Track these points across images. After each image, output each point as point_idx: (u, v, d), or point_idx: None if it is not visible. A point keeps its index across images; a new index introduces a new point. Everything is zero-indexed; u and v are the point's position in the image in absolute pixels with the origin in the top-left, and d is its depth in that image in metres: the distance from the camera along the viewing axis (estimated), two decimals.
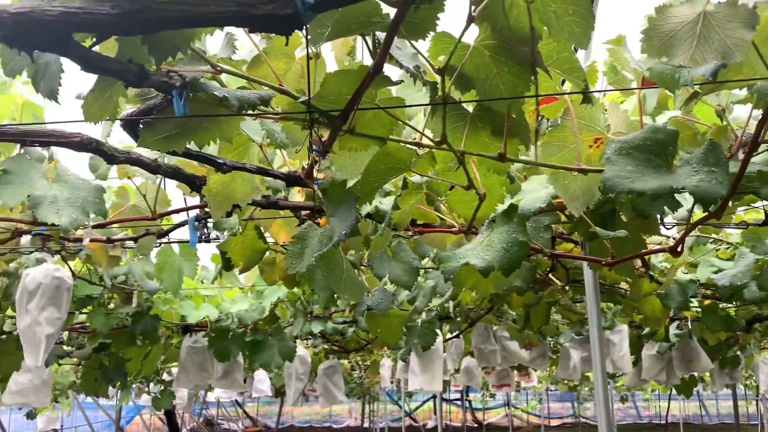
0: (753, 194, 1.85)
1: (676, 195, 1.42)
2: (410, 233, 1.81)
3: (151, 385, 6.72)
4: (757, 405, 14.41)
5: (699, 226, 2.67)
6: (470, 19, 0.92)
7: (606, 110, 1.42)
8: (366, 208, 1.47)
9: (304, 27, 0.77)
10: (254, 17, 0.69)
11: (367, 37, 1.02)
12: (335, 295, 1.26)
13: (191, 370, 3.80)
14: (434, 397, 16.98)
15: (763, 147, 1.45)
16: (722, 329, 3.61)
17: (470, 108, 1.25)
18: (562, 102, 1.39)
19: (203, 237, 2.05)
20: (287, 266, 1.29)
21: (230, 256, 1.98)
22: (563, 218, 1.99)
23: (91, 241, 1.99)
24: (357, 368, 8.86)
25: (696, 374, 5.76)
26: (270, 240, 2.16)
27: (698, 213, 2.55)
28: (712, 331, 3.76)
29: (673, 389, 6.88)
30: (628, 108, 1.59)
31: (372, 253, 2.15)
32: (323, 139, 1.14)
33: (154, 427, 15.19)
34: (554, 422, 17.66)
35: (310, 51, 1.25)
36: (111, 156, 1.29)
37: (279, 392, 9.21)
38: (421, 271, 2.97)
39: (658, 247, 1.52)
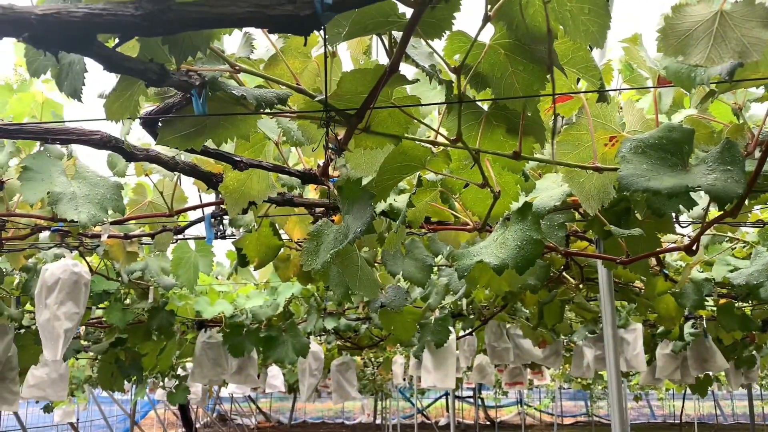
0: None
1: (691, 193, 1.42)
2: (424, 231, 1.81)
3: (166, 380, 6.78)
4: None
5: (714, 225, 2.65)
6: (486, 19, 0.93)
7: (621, 109, 1.42)
8: (380, 206, 1.48)
9: (322, 27, 0.78)
10: (272, 18, 0.70)
11: (383, 37, 1.03)
12: (350, 292, 1.27)
13: (206, 366, 3.83)
14: (447, 394, 16.99)
15: None
16: (738, 328, 3.59)
17: (485, 106, 1.26)
18: (578, 100, 1.39)
19: (219, 233, 2.07)
20: (302, 263, 1.30)
21: (245, 252, 1.99)
22: (578, 216, 1.99)
23: (109, 237, 2.02)
24: (370, 365, 8.89)
25: (711, 374, 5.71)
26: (285, 237, 2.17)
27: (714, 211, 2.53)
28: (727, 331, 3.73)
29: (688, 388, 6.83)
30: (643, 106, 1.58)
31: (386, 251, 2.16)
32: (339, 138, 1.15)
33: (168, 422, 15.32)
34: (567, 420, 17.60)
35: (327, 49, 1.26)
36: (130, 153, 1.31)
37: (292, 388, 9.26)
38: (435, 269, 2.99)
39: (673, 245, 1.52)
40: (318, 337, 4.83)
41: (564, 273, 2.72)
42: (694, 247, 1.39)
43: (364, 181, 1.34)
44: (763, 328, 4.02)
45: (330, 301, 3.53)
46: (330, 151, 1.16)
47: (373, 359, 8.46)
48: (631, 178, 1.10)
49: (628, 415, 13.94)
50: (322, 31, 0.96)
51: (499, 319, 4.07)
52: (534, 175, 1.86)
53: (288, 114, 1.12)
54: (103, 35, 0.78)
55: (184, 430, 11.59)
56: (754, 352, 5.75)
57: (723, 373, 7.61)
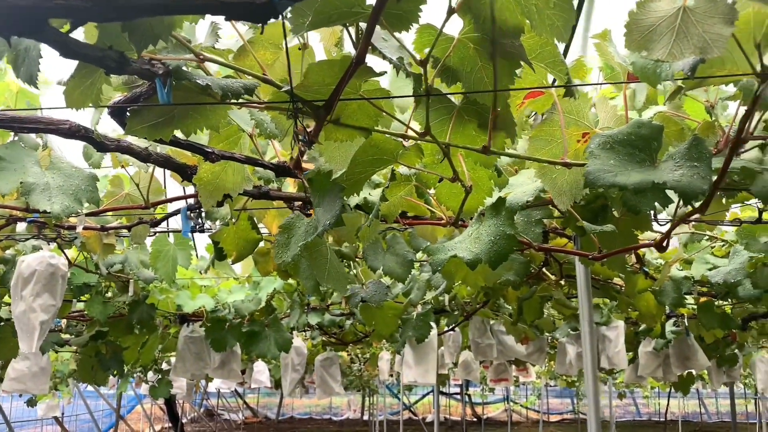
0: (746, 191, 1.86)
1: (667, 191, 1.42)
2: (400, 225, 1.81)
3: (150, 374, 6.75)
4: (755, 404, 14.41)
5: (693, 223, 2.67)
6: (450, 11, 0.93)
7: (594, 105, 1.42)
8: (354, 200, 1.48)
9: (282, 16, 0.77)
10: (228, 6, 0.70)
11: (351, 28, 1.02)
12: (320, 286, 1.27)
13: (188, 360, 3.82)
14: (434, 390, 17.02)
15: (753, 143, 1.45)
16: (718, 327, 3.61)
17: (458, 101, 1.26)
18: (550, 96, 1.39)
19: (198, 227, 2.06)
20: (274, 256, 1.30)
21: (222, 246, 1.98)
22: (556, 213, 2.00)
23: (85, 228, 2.00)
24: (356, 361, 8.89)
25: (694, 372, 5.76)
26: (264, 231, 2.16)
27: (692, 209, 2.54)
28: (707, 329, 3.76)
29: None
30: (617, 103, 1.59)
31: (367, 246, 2.16)
32: (309, 130, 1.14)
33: (155, 417, 15.28)
34: (553, 418, 17.70)
35: (298, 41, 1.26)
36: (100, 144, 1.30)
37: (278, 384, 9.25)
38: (417, 264, 2.99)
39: (645, 242, 1.53)
40: (303, 333, 4.83)
41: (544, 269, 2.73)
42: (664, 244, 1.40)
43: (339, 174, 1.34)
44: (743, 327, 4.05)
45: (313, 297, 3.52)
46: (300, 143, 1.16)
47: (359, 355, 8.47)
48: (598, 173, 1.11)
49: (614, 412, 14.04)
50: (287, 21, 0.96)
51: (483, 315, 4.08)
52: (510, 171, 1.87)
53: (256, 105, 1.12)
54: (59, 20, 0.78)
55: (170, 424, 11.56)
56: (736, 350, 5.79)
57: (706, 372, 7.67)
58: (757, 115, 1.41)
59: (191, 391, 7.96)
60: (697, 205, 1.29)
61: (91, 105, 0.98)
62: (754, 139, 1.27)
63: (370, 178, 1.38)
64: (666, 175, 1.09)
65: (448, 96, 1.22)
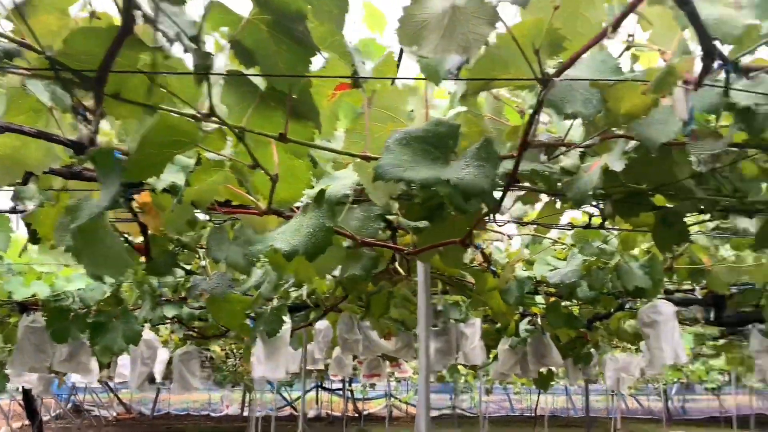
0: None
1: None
2: (222, 214, 1.75)
3: None
4: (611, 399, 15.51)
5: (535, 226, 2.79)
6: None
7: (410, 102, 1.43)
8: (161, 183, 1.40)
9: None
10: None
11: None
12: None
13: (27, 352, 3.56)
14: (317, 386, 17.00)
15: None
16: (564, 326, 3.82)
17: (263, 86, 1.22)
18: (366, 90, 1.38)
19: (17, 208, 1.89)
20: (55, 240, 1.20)
21: (36, 228, 1.83)
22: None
23: None
24: (232, 356, 8.69)
25: (553, 369, 6.06)
26: None
27: (534, 213, 2.65)
28: (554, 328, 3.96)
29: None
30: (442, 103, 1.62)
31: (211, 235, 2.08)
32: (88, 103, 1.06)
33: (14, 413, 14.23)
34: (432, 413, 18.18)
35: (89, 9, 1.17)
36: None
37: (151, 379, 8.85)
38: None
39: (451, 240, 1.56)
40: (164, 326, 4.62)
41: (396, 265, 2.76)
42: (467, 241, 1.44)
43: None
44: (588, 327, 4.32)
45: (165, 288, 3.37)
46: (79, 116, 1.07)
47: (234, 350, 8.28)
48: (388, 167, 1.11)
49: (487, 408, 14.62)
50: None
51: (350, 311, 4.08)
52: (343, 164, 1.86)
53: (19, 72, 1.02)
54: None
55: (29, 422, 10.76)
56: (592, 349, 6.16)
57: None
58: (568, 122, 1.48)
59: (49, 386, 7.44)
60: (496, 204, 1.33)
61: None
62: (542, 146, 1.33)
63: (172, 161, 1.32)
64: (453, 172, 1.11)
65: (250, 78, 1.18)
